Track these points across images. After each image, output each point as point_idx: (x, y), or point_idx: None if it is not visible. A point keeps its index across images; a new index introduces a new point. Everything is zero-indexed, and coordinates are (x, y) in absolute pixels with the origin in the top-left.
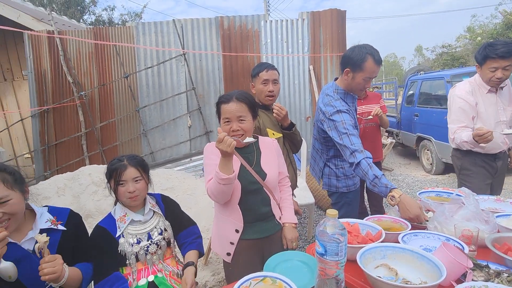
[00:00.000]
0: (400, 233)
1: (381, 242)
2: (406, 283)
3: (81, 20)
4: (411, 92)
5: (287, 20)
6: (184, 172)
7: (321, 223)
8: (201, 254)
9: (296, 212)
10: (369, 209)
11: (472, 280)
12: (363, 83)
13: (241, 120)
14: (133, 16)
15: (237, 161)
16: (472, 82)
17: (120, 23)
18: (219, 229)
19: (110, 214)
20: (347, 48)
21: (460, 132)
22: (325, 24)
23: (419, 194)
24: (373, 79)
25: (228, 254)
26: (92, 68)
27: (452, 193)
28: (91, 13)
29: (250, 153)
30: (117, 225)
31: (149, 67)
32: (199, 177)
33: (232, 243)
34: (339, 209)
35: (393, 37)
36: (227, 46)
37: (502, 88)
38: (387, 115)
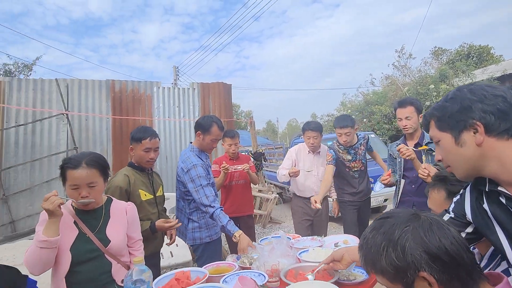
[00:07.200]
0: (224, 275)
1: (204, 282)
2: None
3: None
4: None
5: (179, 88)
6: None
7: (128, 273)
8: None
9: None
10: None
11: None
12: (211, 143)
13: (92, 186)
14: (21, 68)
15: (73, 230)
16: (301, 145)
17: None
18: None
19: None
20: (233, 114)
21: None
22: (213, 94)
23: (260, 241)
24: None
25: None
26: None
27: (276, 236)
28: None
29: (95, 218)
30: None
31: (21, 125)
32: None
33: None
34: (203, 263)
35: (295, 105)
36: (118, 108)
37: (319, 152)
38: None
